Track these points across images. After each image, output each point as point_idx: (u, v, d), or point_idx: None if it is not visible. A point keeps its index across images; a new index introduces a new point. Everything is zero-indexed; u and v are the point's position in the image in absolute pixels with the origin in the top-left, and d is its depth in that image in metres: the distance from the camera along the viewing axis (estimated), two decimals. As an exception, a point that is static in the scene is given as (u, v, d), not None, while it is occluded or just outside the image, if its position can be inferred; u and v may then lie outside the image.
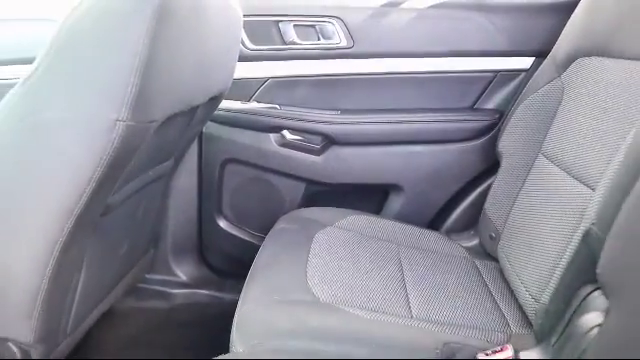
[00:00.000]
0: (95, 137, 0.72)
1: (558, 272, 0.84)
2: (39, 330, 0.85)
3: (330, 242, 1.12)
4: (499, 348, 0.79)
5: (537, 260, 0.94)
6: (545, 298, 0.86)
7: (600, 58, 1.00)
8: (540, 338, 0.83)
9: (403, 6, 1.36)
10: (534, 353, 0.80)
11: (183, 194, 1.45)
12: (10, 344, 0.85)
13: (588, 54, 1.04)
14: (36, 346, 0.87)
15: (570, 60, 1.08)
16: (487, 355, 0.79)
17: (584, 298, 0.69)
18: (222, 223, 1.51)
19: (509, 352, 0.78)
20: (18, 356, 0.87)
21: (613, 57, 0.96)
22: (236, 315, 0.87)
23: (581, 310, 0.69)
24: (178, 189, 1.43)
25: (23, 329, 0.84)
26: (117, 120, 0.71)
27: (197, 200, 1.48)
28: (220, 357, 0.76)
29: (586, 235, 0.71)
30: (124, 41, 0.69)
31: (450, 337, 0.84)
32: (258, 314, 0.86)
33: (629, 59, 0.90)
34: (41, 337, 0.87)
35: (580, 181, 0.92)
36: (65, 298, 0.91)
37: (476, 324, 0.91)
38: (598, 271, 0.64)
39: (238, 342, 0.80)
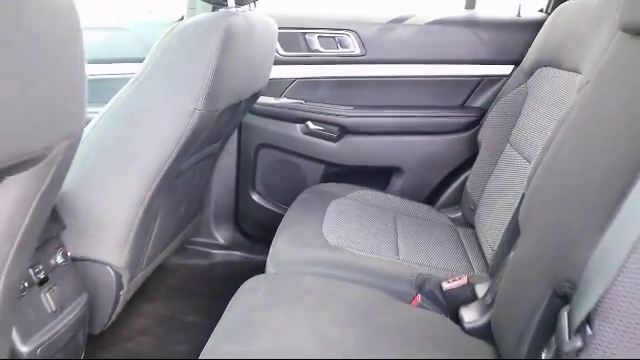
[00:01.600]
0: (179, 120, 1.05)
1: (505, 225, 1.15)
2: (128, 258, 1.19)
3: (341, 208, 1.44)
4: (457, 278, 1.10)
5: (497, 222, 1.25)
6: (496, 246, 1.17)
7: (553, 69, 1.29)
8: (491, 275, 1.14)
9: (406, 22, 1.67)
10: (484, 286, 1.10)
11: (225, 171, 1.78)
12: (109, 268, 1.19)
13: (546, 64, 1.33)
14: (125, 271, 1.21)
15: (533, 69, 1.38)
16: (448, 283, 1.10)
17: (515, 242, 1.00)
18: (255, 196, 1.84)
19: (464, 280, 1.09)
20: (113, 279, 1.21)
21: (559, 68, 1.25)
22: (270, 252, 1.20)
23: (511, 250, 0.99)
24: (221, 167, 1.77)
25: (118, 256, 1.18)
26: (195, 109, 1.04)
27: (235, 176, 1.81)
28: (259, 275, 1.09)
29: (521, 197, 1.02)
30: (201, 55, 1.03)
31: (424, 272, 1.16)
32: (285, 251, 1.19)
33: (567, 70, 1.20)
34: (129, 264, 1.21)
35: (525, 159, 1.22)
36: (145, 237, 1.25)
37: (447, 267, 1.22)
38: (519, 217, 0.95)
39: (271, 267, 1.13)
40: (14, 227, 0.68)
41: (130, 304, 1.42)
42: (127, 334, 1.50)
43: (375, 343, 0.86)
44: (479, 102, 1.68)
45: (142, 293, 1.60)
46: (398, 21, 1.68)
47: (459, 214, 1.59)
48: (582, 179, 0.71)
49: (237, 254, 1.88)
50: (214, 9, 1.41)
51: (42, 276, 1.02)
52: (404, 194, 1.67)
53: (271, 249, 1.20)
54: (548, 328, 0.67)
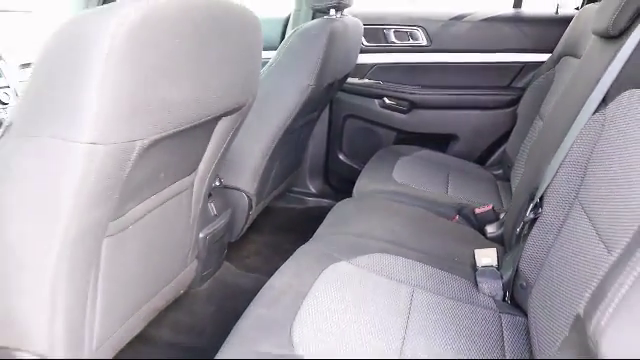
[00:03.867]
0: (298, 93, 1.58)
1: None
2: (257, 188, 1.74)
3: (407, 162, 1.91)
4: (486, 206, 1.56)
5: (524, 175, 1.69)
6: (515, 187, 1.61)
7: (572, 58, 1.70)
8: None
9: (464, 19, 2.12)
10: (504, 213, 1.55)
11: (318, 135, 2.31)
12: (244, 194, 1.75)
13: (568, 54, 1.74)
14: (254, 197, 1.77)
15: (559, 57, 1.79)
16: (479, 209, 1.56)
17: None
18: (341, 156, 2.36)
19: (490, 207, 1.55)
20: (246, 202, 1.76)
21: (577, 58, 1.66)
22: (355, 186, 1.71)
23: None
24: (316, 132, 2.29)
25: (250, 186, 1.73)
26: (308, 85, 1.57)
27: (326, 140, 2.34)
28: (348, 198, 1.61)
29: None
30: (314, 49, 1.55)
31: (463, 203, 1.62)
32: (365, 184, 1.70)
33: (578, 58, 1.60)
34: (257, 193, 1.76)
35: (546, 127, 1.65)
36: (269, 175, 1.80)
37: (481, 201, 1.66)
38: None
39: (356, 194, 1.65)
40: (219, 149, 1.24)
41: (246, 235, 1.96)
42: (245, 254, 2.04)
43: (422, 236, 1.36)
44: (521, 84, 2.10)
45: (254, 227, 2.13)
46: (457, 18, 2.13)
47: (500, 171, 2.03)
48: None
49: (325, 201, 2.40)
50: (315, 16, 1.92)
51: (209, 192, 1.59)
52: (458, 155, 2.13)
53: (356, 183, 1.72)
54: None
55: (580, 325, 0.64)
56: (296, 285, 1.05)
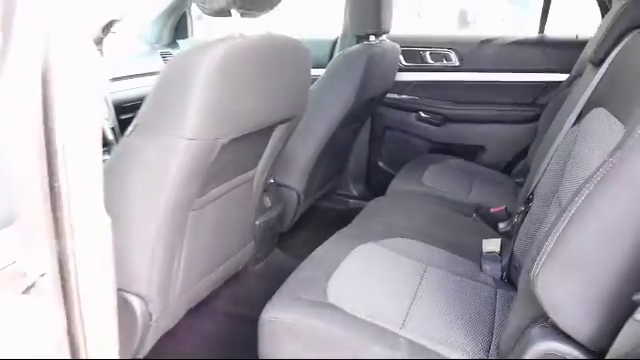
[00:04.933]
0: (342, 105, 1.89)
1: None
2: (305, 187, 2.04)
3: (436, 171, 2.17)
4: (500, 207, 1.81)
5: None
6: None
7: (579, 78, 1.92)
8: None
9: (492, 42, 2.37)
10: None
11: (361, 144, 2.60)
12: (294, 192, 2.06)
13: (579, 76, 1.96)
14: (302, 194, 2.07)
15: (574, 78, 2.02)
16: (494, 209, 1.80)
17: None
18: (380, 163, 2.64)
19: (503, 208, 1.80)
20: (295, 198, 2.07)
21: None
22: (388, 187, 1.99)
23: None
24: (358, 141, 2.58)
25: (300, 184, 2.03)
26: (350, 100, 1.87)
27: (368, 149, 2.63)
28: (381, 197, 1.89)
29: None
30: (355, 69, 1.85)
31: (481, 203, 1.87)
32: (398, 186, 1.98)
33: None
34: (305, 190, 2.06)
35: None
36: (316, 176, 2.10)
37: (498, 204, 1.91)
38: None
39: (389, 192, 1.93)
40: (275, 151, 1.55)
41: (295, 227, 2.26)
42: (293, 243, 2.33)
43: (439, 227, 1.62)
44: (543, 101, 2.33)
45: (302, 222, 2.41)
46: (486, 42, 2.39)
47: (522, 179, 2.25)
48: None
49: (365, 203, 2.62)
50: (359, 40, 2.21)
51: (265, 187, 1.91)
52: (485, 165, 2.37)
53: (390, 185, 2.00)
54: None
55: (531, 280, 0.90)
56: (332, 257, 1.34)
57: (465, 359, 1.03)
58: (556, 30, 2.45)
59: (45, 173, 0.76)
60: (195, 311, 1.52)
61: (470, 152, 2.48)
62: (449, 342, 1.07)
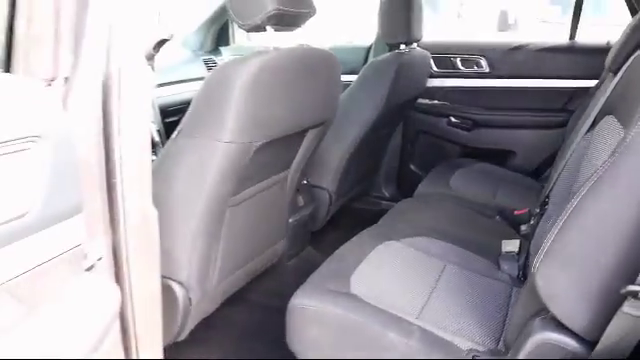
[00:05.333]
0: (372, 109, 1.99)
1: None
2: (337, 187, 2.15)
3: (464, 174, 2.24)
4: (523, 209, 1.87)
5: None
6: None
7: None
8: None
9: (521, 49, 2.42)
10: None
11: (394, 148, 2.69)
12: (326, 192, 2.17)
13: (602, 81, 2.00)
14: (334, 194, 2.17)
15: (601, 84, 2.05)
16: (517, 211, 1.87)
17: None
18: (412, 166, 2.72)
19: (526, 210, 1.86)
20: (327, 198, 2.18)
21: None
22: (416, 190, 2.08)
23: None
24: (391, 145, 2.67)
25: (332, 184, 2.14)
26: (380, 105, 1.97)
27: (400, 152, 2.71)
28: (408, 198, 1.98)
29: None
30: (385, 76, 1.95)
31: (505, 205, 1.93)
32: (425, 188, 2.06)
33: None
34: (337, 190, 2.16)
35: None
36: (348, 176, 2.20)
37: (521, 206, 1.97)
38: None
39: (416, 194, 2.02)
40: (307, 154, 1.66)
41: (327, 227, 2.36)
42: (325, 241, 2.43)
43: (461, 228, 1.70)
44: (572, 106, 2.36)
45: (334, 222, 2.49)
46: (515, 48, 2.44)
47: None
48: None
49: (394, 204, 2.77)
50: (392, 48, 2.31)
51: (298, 187, 2.03)
52: (514, 169, 2.42)
53: (417, 187, 2.09)
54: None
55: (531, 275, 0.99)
56: (357, 252, 1.44)
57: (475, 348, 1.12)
58: (588, 36, 2.48)
59: (104, 170, 0.90)
60: (230, 301, 1.65)
61: (500, 156, 2.53)
62: (461, 332, 1.16)
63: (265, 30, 1.27)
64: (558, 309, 0.93)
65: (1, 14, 0.74)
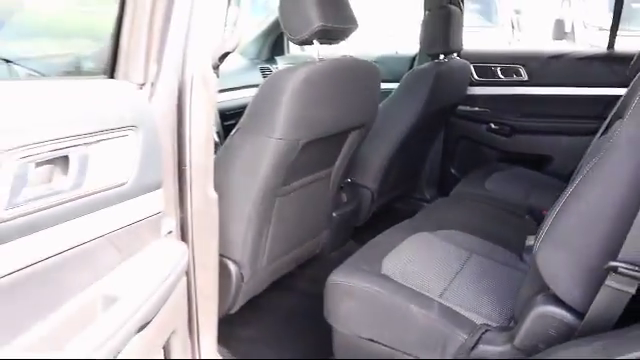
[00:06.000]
0: (412, 113, 2.15)
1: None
2: (378, 186, 2.32)
3: (499, 177, 2.37)
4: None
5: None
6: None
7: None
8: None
9: (559, 58, 2.53)
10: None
11: (436, 152, 2.83)
12: (367, 190, 2.34)
13: None
14: (376, 193, 2.35)
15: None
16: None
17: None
18: (453, 170, 2.86)
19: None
20: (369, 196, 2.35)
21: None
22: (453, 190, 2.22)
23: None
24: (433, 149, 2.82)
25: (373, 184, 2.32)
26: (419, 111, 2.13)
27: (441, 156, 2.86)
28: (444, 198, 2.13)
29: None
30: (422, 84, 2.12)
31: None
32: (461, 189, 2.21)
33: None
34: (378, 189, 2.34)
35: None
36: (389, 177, 2.37)
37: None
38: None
39: (451, 194, 2.17)
40: (349, 153, 1.85)
41: (369, 223, 2.52)
42: (367, 236, 2.58)
43: (490, 224, 1.84)
44: (609, 113, 2.44)
45: (376, 220, 2.61)
46: (554, 57, 2.55)
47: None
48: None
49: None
50: (433, 59, 2.46)
51: (341, 185, 2.21)
52: (551, 174, 2.52)
53: (454, 188, 2.24)
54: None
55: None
56: (390, 240, 1.61)
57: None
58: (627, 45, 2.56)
59: (177, 159, 1.12)
60: (276, 285, 1.85)
61: (537, 161, 2.63)
62: (477, 310, 1.31)
63: (312, 43, 1.47)
64: (555, 285, 1.07)
65: (106, 31, 0.98)
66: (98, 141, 0.79)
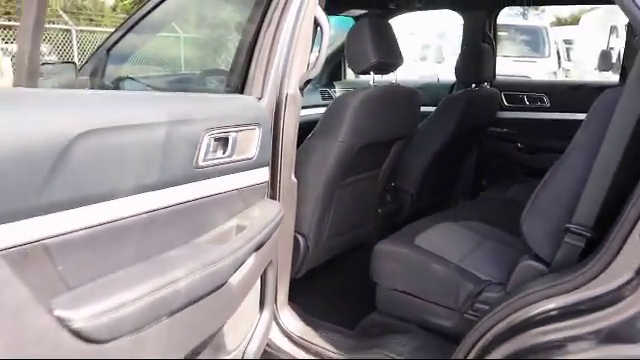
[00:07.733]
0: (444, 134, 2.64)
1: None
2: (416, 189, 2.81)
3: (520, 187, 2.78)
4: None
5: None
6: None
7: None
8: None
9: (577, 89, 2.96)
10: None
11: (470, 168, 3.29)
12: (408, 194, 2.83)
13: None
14: (415, 196, 2.83)
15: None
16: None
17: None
18: (484, 182, 3.30)
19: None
20: (408, 199, 2.83)
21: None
22: (480, 195, 2.68)
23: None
24: (467, 165, 3.27)
25: (414, 187, 2.80)
26: (452, 130, 2.62)
27: (474, 172, 3.31)
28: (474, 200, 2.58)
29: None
30: (456, 108, 2.61)
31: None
32: (486, 194, 2.66)
33: None
34: (416, 192, 2.82)
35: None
36: (427, 182, 2.85)
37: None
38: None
39: (479, 197, 2.63)
40: (394, 159, 2.36)
41: (407, 223, 2.99)
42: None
43: (511, 219, 2.27)
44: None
45: (413, 219, 3.15)
46: (574, 87, 2.99)
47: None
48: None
49: None
50: (467, 87, 2.94)
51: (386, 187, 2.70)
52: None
53: (480, 194, 2.69)
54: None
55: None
56: (422, 226, 2.09)
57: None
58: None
59: (271, 153, 1.65)
60: (326, 266, 2.33)
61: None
62: (485, 271, 1.77)
63: (370, 73, 2.00)
64: (534, 245, 1.53)
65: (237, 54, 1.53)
66: (241, 130, 1.34)
